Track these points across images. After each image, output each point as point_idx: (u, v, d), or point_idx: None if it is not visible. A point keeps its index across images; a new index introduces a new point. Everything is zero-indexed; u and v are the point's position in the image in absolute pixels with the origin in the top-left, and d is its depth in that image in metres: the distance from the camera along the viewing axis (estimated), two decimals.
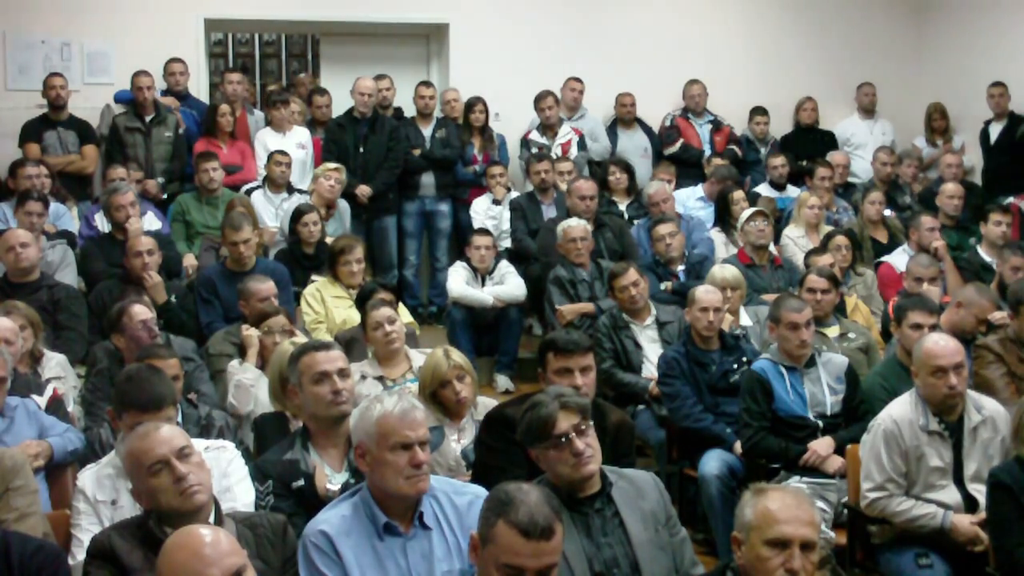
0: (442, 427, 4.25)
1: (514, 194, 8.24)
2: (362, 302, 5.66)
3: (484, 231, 7.47)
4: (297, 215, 7.07)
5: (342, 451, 3.57)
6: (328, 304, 6.31)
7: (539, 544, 2.57)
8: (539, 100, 8.66)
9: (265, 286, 5.67)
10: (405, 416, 3.02)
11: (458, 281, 7.19)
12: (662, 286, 6.74)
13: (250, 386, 4.89)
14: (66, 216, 7.39)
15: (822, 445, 4.76)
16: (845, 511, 4.52)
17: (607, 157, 8.83)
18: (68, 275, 6.59)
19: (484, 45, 9.27)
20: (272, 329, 5.12)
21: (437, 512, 3.05)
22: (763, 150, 9.30)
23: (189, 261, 7.11)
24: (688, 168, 8.98)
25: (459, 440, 4.30)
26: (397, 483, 2.97)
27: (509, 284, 7.21)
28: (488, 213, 8.20)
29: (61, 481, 4.15)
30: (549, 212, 7.89)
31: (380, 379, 4.91)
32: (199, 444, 3.26)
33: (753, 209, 7.12)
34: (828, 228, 7.63)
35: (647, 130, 9.29)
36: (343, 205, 7.93)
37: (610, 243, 7.44)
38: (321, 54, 10.43)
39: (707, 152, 9.11)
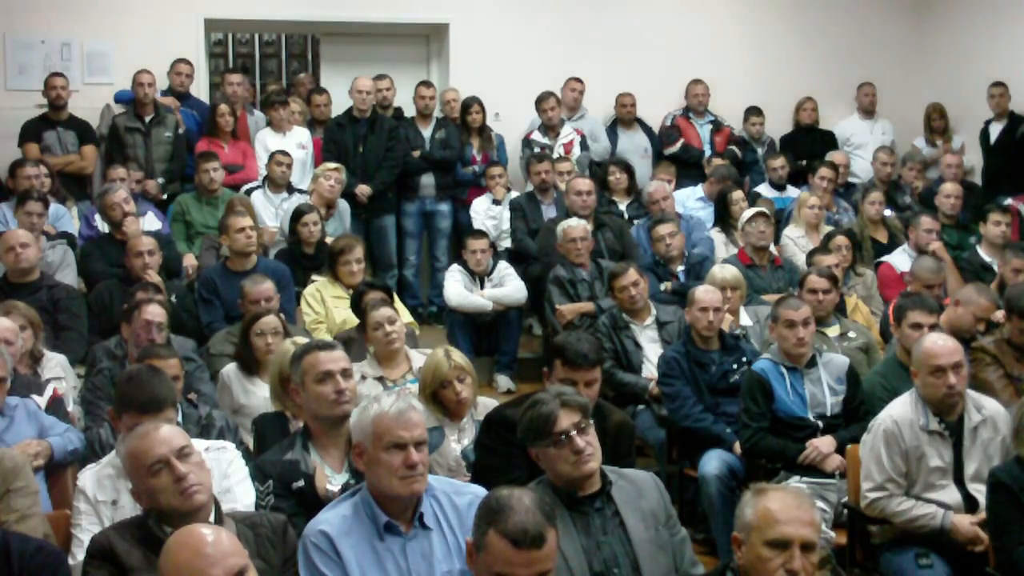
0: (442, 428, 4.25)
1: (514, 194, 8.25)
2: (355, 304, 5.65)
3: (479, 233, 7.41)
4: (297, 215, 7.06)
5: (343, 451, 3.56)
6: (328, 304, 6.31)
7: (530, 553, 2.57)
8: (541, 101, 8.65)
9: (258, 288, 5.63)
10: (400, 416, 3.02)
11: (456, 288, 7.10)
12: (662, 286, 6.74)
13: None
14: (66, 216, 7.39)
15: (823, 443, 4.75)
16: (845, 511, 4.52)
17: (607, 157, 8.84)
18: (68, 275, 6.60)
19: (484, 45, 9.27)
20: (264, 331, 5.10)
21: (437, 512, 3.05)
22: (759, 150, 9.31)
23: (189, 261, 7.11)
24: (688, 168, 8.99)
25: (459, 441, 4.30)
26: (391, 483, 2.97)
27: (509, 287, 7.18)
28: (488, 213, 8.20)
29: (61, 481, 4.15)
30: (549, 212, 7.89)
31: (380, 379, 4.91)
32: (199, 444, 3.26)
33: (755, 210, 7.10)
34: (828, 228, 7.63)
35: (647, 130, 9.30)
36: (343, 205, 7.93)
37: (610, 243, 7.44)
38: (321, 54, 10.43)
39: (707, 152, 9.12)
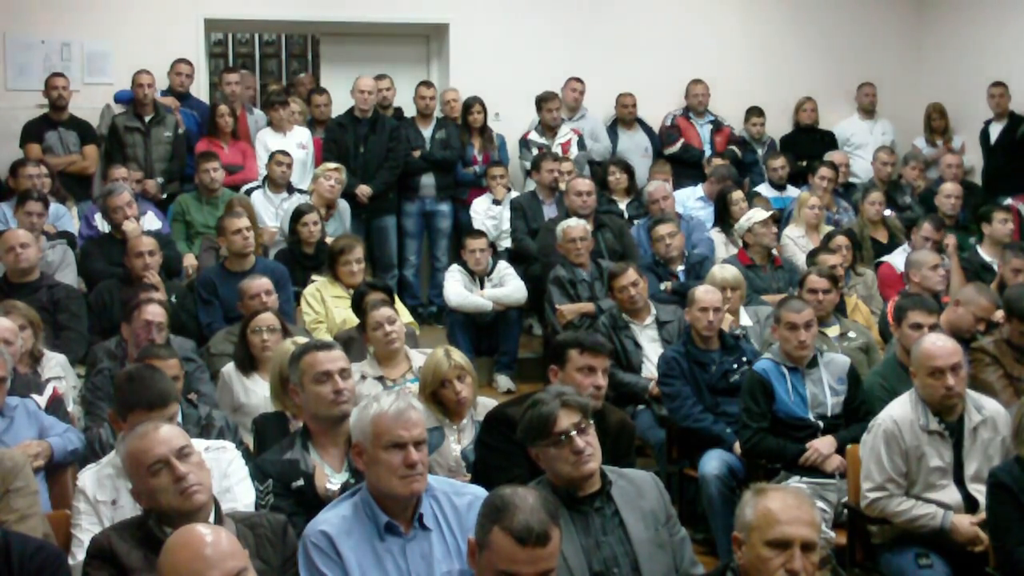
0: (442, 427, 4.25)
1: (514, 194, 8.25)
2: (356, 305, 5.65)
3: (478, 233, 7.40)
4: (297, 215, 7.07)
5: (342, 451, 3.56)
6: (328, 304, 6.31)
7: (534, 551, 2.57)
8: (543, 101, 8.65)
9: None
10: (400, 415, 3.02)
11: (456, 288, 7.10)
12: (662, 286, 6.74)
13: None
14: (66, 216, 7.39)
15: (823, 444, 4.75)
16: (845, 511, 4.52)
17: (607, 157, 8.84)
18: (68, 275, 6.60)
19: (484, 45, 9.27)
20: (260, 327, 5.09)
21: (437, 513, 3.05)
22: (759, 150, 9.31)
23: (189, 261, 7.11)
24: (688, 168, 8.99)
25: (459, 440, 4.29)
26: (391, 483, 2.97)
27: (509, 286, 7.17)
28: (488, 213, 8.20)
29: (61, 481, 4.15)
30: (550, 212, 7.89)
31: (380, 379, 4.91)
32: (199, 444, 3.26)
33: (766, 214, 7.05)
34: (828, 228, 7.63)
35: (647, 130, 9.30)
36: (343, 205, 7.93)
37: (610, 243, 7.44)
38: (321, 54, 10.43)
39: (707, 152, 9.12)
